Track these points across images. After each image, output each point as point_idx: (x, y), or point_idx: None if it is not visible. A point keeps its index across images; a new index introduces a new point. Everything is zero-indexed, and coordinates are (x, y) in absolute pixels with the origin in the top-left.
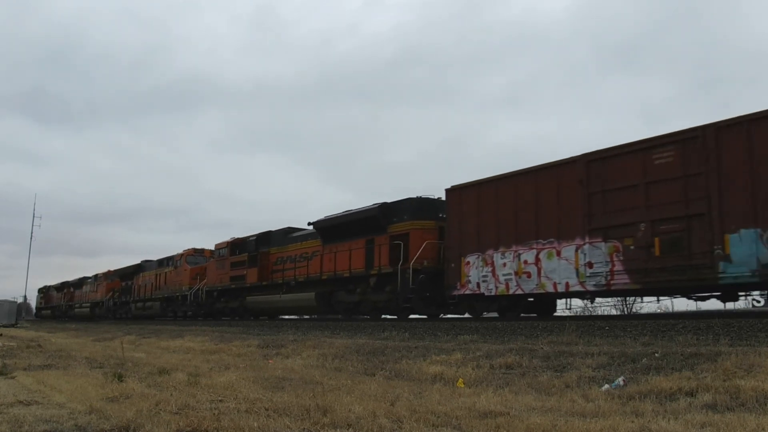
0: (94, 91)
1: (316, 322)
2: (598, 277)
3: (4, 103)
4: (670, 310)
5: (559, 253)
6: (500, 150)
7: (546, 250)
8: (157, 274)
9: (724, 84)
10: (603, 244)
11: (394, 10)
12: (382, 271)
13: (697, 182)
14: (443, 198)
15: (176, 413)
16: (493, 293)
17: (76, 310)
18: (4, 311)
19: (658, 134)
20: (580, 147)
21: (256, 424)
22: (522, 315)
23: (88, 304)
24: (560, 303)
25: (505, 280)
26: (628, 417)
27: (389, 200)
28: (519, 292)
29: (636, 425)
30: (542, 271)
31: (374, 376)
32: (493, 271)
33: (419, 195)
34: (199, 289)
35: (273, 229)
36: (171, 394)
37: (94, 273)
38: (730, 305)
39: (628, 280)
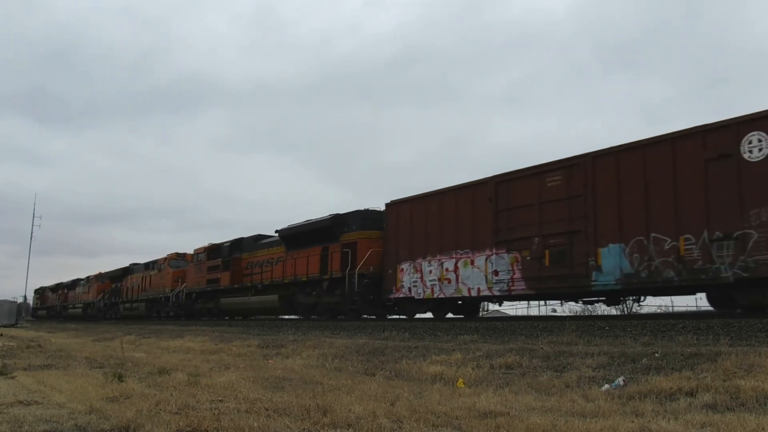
0: (95, 91)
1: (316, 322)
2: (502, 284)
3: (4, 103)
4: (670, 310)
5: (473, 262)
6: (501, 150)
7: (463, 260)
8: (143, 277)
9: (725, 84)
10: (506, 255)
11: (395, 10)
12: (334, 276)
13: (578, 203)
14: None
15: (176, 413)
16: (421, 297)
17: (70, 310)
18: (4, 311)
19: (555, 159)
20: (581, 147)
21: (256, 424)
22: (451, 315)
23: (81, 305)
24: (494, 306)
25: (431, 285)
26: (628, 417)
27: (342, 211)
28: (441, 296)
29: (636, 425)
30: (460, 278)
31: (374, 376)
32: (422, 278)
33: (367, 208)
34: (180, 291)
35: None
36: (171, 394)
37: (95, 273)
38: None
39: (524, 287)
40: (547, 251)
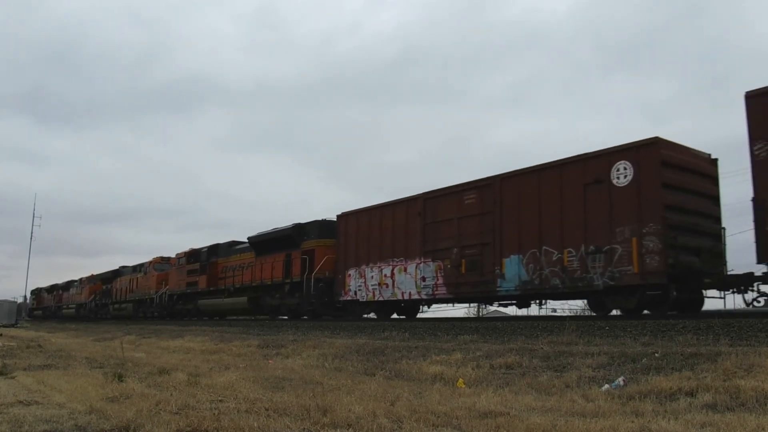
0: (95, 91)
1: (316, 322)
2: (428, 288)
3: (4, 103)
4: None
5: (406, 269)
6: (502, 149)
7: (398, 267)
8: (131, 279)
9: (726, 84)
10: (432, 263)
11: (396, 10)
12: (294, 280)
13: (488, 219)
14: None
15: (176, 413)
16: (365, 299)
17: (64, 310)
18: (4, 311)
19: (469, 180)
20: (582, 146)
21: (256, 424)
22: (396, 316)
23: (74, 306)
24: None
25: (373, 289)
26: (628, 417)
27: (303, 220)
28: (381, 298)
29: (636, 425)
30: (395, 283)
31: (374, 376)
32: (365, 282)
33: (324, 218)
34: (163, 293)
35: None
36: (171, 394)
37: (87, 275)
38: (730, 305)
39: (446, 291)
40: (463, 260)
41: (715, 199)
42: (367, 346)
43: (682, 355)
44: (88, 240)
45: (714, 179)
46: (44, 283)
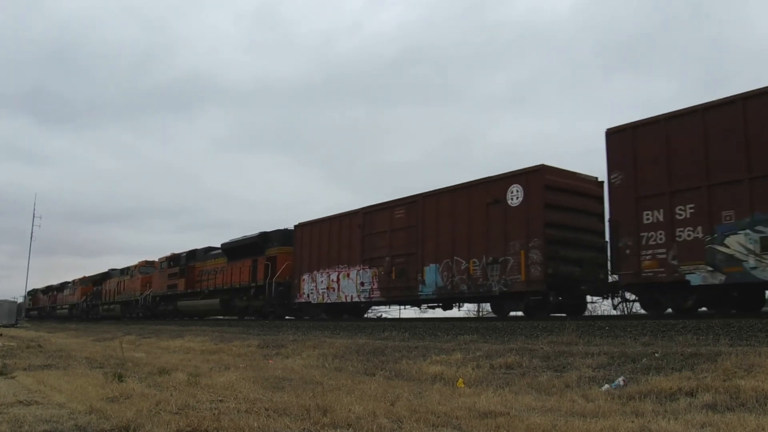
0: (95, 91)
1: (316, 322)
2: (366, 292)
3: (4, 103)
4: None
5: (348, 275)
6: (503, 149)
7: (342, 272)
8: (118, 282)
9: (728, 84)
10: (369, 270)
11: (397, 10)
12: (258, 284)
13: (413, 232)
14: None
15: (176, 413)
16: (316, 301)
17: (58, 311)
18: (4, 311)
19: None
20: (583, 146)
21: (256, 424)
22: (347, 316)
23: (68, 306)
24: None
25: (322, 292)
26: (628, 417)
27: (271, 228)
28: (329, 301)
29: (636, 425)
30: (340, 287)
31: (374, 376)
32: (316, 286)
33: (286, 227)
34: (147, 294)
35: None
36: (171, 394)
37: (80, 277)
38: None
39: (380, 295)
40: (394, 268)
41: (600, 216)
42: (367, 346)
43: (682, 355)
44: (88, 240)
45: (600, 199)
46: (44, 283)
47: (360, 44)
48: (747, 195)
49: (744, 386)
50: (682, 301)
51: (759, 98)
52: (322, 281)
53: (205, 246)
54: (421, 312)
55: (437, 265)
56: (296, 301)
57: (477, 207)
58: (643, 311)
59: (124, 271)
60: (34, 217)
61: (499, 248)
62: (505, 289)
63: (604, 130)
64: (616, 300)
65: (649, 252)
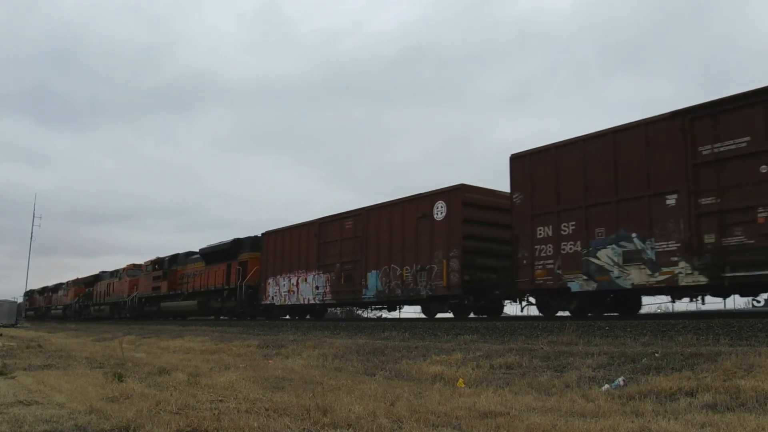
0: (97, 90)
1: (316, 322)
2: (320, 295)
3: (5, 103)
4: (670, 310)
5: (306, 279)
6: (504, 149)
7: (301, 277)
8: (108, 284)
9: (729, 83)
10: (323, 275)
11: (399, 9)
12: (231, 286)
13: (359, 242)
14: None
15: (176, 413)
16: (279, 303)
17: (53, 311)
18: (4, 311)
19: (348, 210)
20: None
21: (256, 424)
22: (309, 317)
23: (61, 307)
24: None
25: (284, 295)
26: (628, 417)
27: (250, 234)
28: (289, 303)
29: (636, 425)
30: (299, 290)
31: (374, 376)
32: (279, 290)
33: (257, 234)
34: (134, 296)
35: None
36: (171, 394)
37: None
38: (730, 305)
39: (331, 297)
40: (343, 274)
41: None
42: (367, 346)
43: (682, 355)
44: (88, 240)
45: None
46: (45, 283)
47: (361, 44)
48: (614, 215)
49: (744, 386)
50: (566, 304)
51: (625, 132)
52: (284, 285)
53: (187, 251)
54: (366, 312)
55: (378, 271)
56: (262, 302)
57: (410, 220)
58: (539, 313)
59: (114, 274)
60: (34, 217)
61: (426, 257)
62: (431, 293)
63: (510, 155)
64: (524, 303)
65: (541, 262)
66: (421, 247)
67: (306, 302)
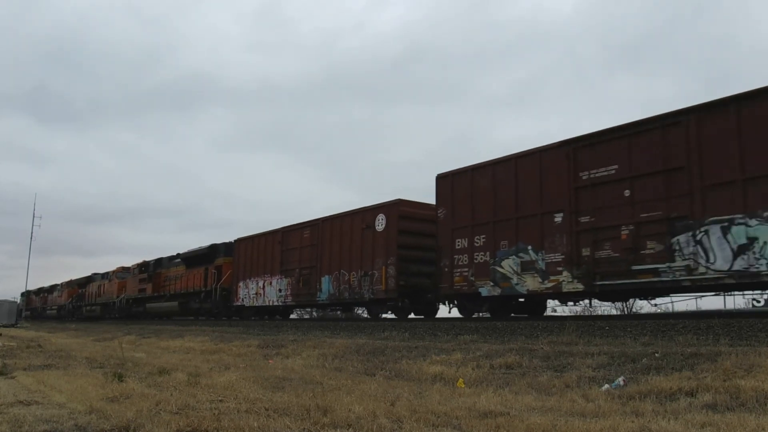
0: (97, 90)
1: (316, 322)
2: (283, 297)
3: (6, 102)
4: (670, 310)
5: (271, 283)
6: (505, 149)
7: (267, 281)
8: (99, 285)
9: (731, 83)
10: (285, 279)
11: (400, 9)
12: (207, 289)
13: (315, 249)
14: None
15: (176, 413)
16: (248, 305)
17: (48, 311)
18: (4, 311)
19: (305, 220)
20: None
21: (256, 424)
22: (278, 316)
23: (56, 307)
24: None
25: (253, 297)
26: (628, 417)
27: (229, 239)
28: (257, 304)
29: (636, 425)
30: (265, 293)
31: (374, 376)
32: (248, 292)
33: (232, 240)
34: (122, 297)
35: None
36: (171, 394)
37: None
38: (730, 305)
39: (291, 299)
40: (301, 278)
41: None
42: (367, 346)
43: (682, 355)
44: (88, 240)
45: None
46: (44, 283)
47: (362, 44)
48: (515, 230)
49: (744, 386)
50: (479, 307)
51: (525, 158)
52: (253, 287)
53: (170, 254)
54: (322, 313)
55: (330, 276)
56: (234, 304)
57: (356, 231)
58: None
59: (105, 276)
60: (34, 217)
61: (369, 264)
62: (372, 296)
63: (436, 174)
64: (451, 306)
65: (459, 270)
66: (365, 255)
67: (271, 304)
